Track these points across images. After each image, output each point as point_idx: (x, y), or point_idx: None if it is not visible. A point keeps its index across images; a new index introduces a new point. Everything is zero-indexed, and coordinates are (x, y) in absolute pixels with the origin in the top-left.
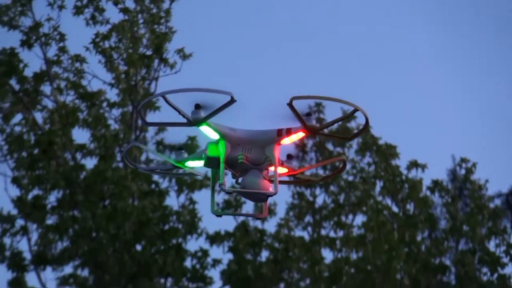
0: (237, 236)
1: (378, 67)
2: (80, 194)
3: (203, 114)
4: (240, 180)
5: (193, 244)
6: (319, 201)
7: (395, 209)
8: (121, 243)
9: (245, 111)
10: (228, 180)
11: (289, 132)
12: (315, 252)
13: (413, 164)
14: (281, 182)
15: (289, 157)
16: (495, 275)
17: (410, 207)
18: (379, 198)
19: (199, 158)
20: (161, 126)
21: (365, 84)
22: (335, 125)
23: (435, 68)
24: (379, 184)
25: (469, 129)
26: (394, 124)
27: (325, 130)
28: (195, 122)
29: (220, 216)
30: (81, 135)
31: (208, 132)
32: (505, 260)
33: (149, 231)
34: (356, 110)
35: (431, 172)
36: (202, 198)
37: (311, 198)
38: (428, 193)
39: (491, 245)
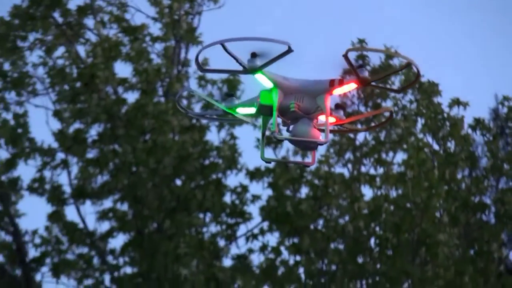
0: (277, 172)
1: (420, 8)
2: (121, 128)
3: (259, 62)
4: (291, 128)
5: (232, 180)
6: (360, 138)
7: (435, 147)
8: (160, 178)
9: (295, 58)
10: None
11: (341, 82)
12: (355, 189)
13: (455, 102)
14: (330, 131)
15: (337, 106)
16: None
17: (451, 145)
18: (420, 136)
19: (250, 105)
20: (217, 73)
21: (407, 23)
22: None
23: (477, 9)
24: (420, 122)
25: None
26: (436, 61)
27: (376, 82)
28: (250, 70)
29: (269, 162)
30: (123, 69)
31: (262, 80)
32: None
33: (189, 166)
34: (409, 63)
35: (473, 110)
36: (243, 134)
37: (351, 135)
38: (469, 131)
39: None
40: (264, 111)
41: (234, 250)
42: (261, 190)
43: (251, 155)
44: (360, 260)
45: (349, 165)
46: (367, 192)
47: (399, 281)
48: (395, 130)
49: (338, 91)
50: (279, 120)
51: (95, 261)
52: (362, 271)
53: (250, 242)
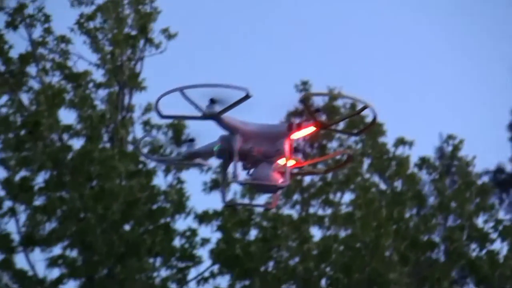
0: (226, 215)
1: (366, 44)
2: (67, 175)
3: (217, 108)
4: (251, 172)
5: (181, 224)
6: (307, 179)
7: (383, 186)
8: (109, 223)
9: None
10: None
11: (299, 126)
12: (304, 230)
13: (400, 141)
14: (291, 174)
15: (295, 149)
16: (484, 251)
17: (398, 184)
18: (367, 176)
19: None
20: (176, 119)
21: (353, 61)
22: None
23: (423, 45)
24: (366, 162)
25: (456, 107)
26: (381, 101)
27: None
28: (210, 115)
29: (233, 206)
30: (67, 116)
31: (221, 125)
32: (494, 235)
33: (137, 211)
34: (366, 107)
35: (418, 149)
36: (190, 178)
37: (298, 177)
38: (415, 170)
39: (479, 221)
40: (224, 155)
41: None
42: (210, 233)
43: (198, 199)
44: None
45: (297, 206)
46: (316, 233)
47: None
48: (342, 170)
49: (296, 134)
50: (238, 164)
51: None
52: None
53: (201, 285)
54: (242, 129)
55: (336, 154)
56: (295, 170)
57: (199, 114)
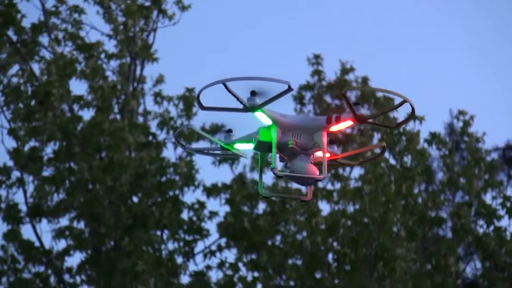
0: (234, 189)
1: (376, 19)
2: (76, 145)
3: (258, 100)
4: (289, 164)
5: (190, 196)
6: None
7: (392, 161)
8: (117, 195)
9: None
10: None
11: (338, 119)
12: (312, 204)
13: (411, 117)
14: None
15: (330, 142)
16: (491, 228)
17: (407, 159)
18: (377, 151)
19: (248, 141)
20: (217, 111)
21: (364, 35)
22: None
23: (434, 20)
24: (376, 136)
25: (467, 82)
26: (392, 76)
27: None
28: (251, 108)
29: (268, 197)
30: (78, 87)
31: (261, 117)
32: (501, 212)
33: (146, 183)
34: (404, 101)
35: (428, 125)
36: None
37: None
38: (425, 145)
39: (487, 198)
40: (262, 147)
41: (192, 267)
42: (218, 206)
43: (208, 172)
44: (318, 275)
45: None
46: (325, 207)
47: None
48: (352, 145)
49: (335, 128)
50: (277, 155)
51: (52, 280)
52: (320, 286)
53: (208, 258)
54: (281, 121)
55: (371, 148)
56: (330, 162)
57: (240, 106)
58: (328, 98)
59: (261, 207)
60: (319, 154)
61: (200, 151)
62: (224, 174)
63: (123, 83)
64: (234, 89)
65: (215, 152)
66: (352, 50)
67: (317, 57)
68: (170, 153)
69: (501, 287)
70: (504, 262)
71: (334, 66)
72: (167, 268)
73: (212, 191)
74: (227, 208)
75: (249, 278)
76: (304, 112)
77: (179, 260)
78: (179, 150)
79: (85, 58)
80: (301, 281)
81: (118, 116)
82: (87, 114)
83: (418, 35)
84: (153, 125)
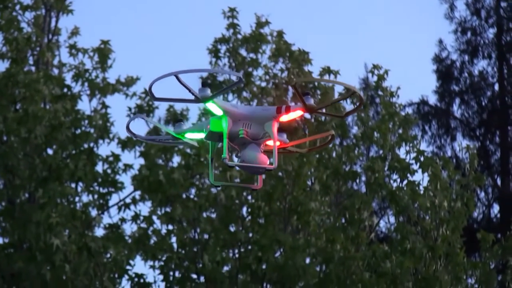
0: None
1: None
2: None
3: (209, 92)
4: (239, 153)
5: (104, 149)
6: None
7: (306, 115)
8: (32, 147)
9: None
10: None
11: (288, 109)
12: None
13: (326, 71)
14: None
15: (280, 130)
16: (405, 182)
17: None
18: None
19: (198, 131)
20: (169, 102)
21: None
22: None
23: None
24: (291, 90)
25: (382, 37)
26: (307, 30)
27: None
28: (202, 99)
29: (219, 186)
30: None
31: (212, 108)
32: (415, 167)
33: (61, 135)
34: (353, 92)
35: (343, 79)
36: (115, 103)
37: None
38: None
39: (401, 152)
40: (213, 137)
41: (106, 220)
42: (133, 159)
43: (122, 124)
44: (232, 228)
45: None
46: None
47: (271, 250)
48: (266, 99)
49: (284, 118)
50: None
51: None
52: (234, 239)
53: (122, 211)
54: (232, 111)
55: (318, 136)
56: (280, 151)
57: (191, 97)
58: (243, 52)
59: (176, 160)
60: (270, 143)
61: (152, 140)
62: (139, 127)
63: (38, 34)
64: (186, 80)
65: (166, 141)
66: (268, 4)
67: (232, 10)
68: (85, 105)
69: (414, 240)
70: (417, 216)
71: (250, 20)
72: (81, 220)
73: (127, 143)
74: (141, 161)
75: (164, 231)
76: (219, 66)
77: (94, 212)
78: (94, 102)
79: None
80: (215, 234)
81: (33, 68)
82: (1, 66)
83: None
84: (68, 77)
